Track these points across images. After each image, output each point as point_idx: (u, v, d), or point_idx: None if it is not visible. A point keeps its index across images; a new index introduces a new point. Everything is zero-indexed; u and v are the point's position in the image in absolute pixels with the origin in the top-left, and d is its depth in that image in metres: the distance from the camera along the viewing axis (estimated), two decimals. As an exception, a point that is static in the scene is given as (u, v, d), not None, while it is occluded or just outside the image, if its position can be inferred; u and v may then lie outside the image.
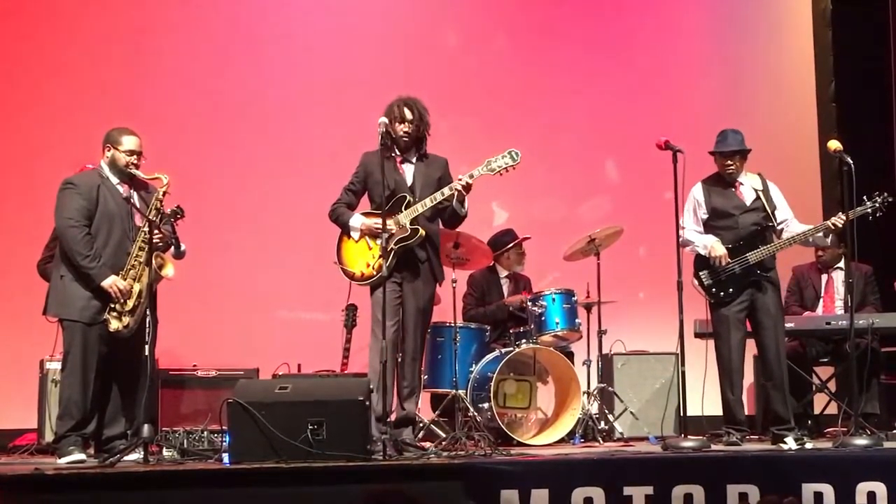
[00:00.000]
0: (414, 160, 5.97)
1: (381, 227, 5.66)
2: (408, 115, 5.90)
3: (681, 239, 6.25)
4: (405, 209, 5.81)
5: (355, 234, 5.90)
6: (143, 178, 5.77)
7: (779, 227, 6.38)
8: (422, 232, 5.80)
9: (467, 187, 5.80)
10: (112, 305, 5.60)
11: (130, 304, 5.61)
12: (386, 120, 5.79)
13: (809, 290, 7.62)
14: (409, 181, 5.93)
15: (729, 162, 6.37)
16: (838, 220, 6.18)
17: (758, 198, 6.38)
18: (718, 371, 6.30)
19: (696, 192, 6.41)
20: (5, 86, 8.09)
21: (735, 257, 6.25)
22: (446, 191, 5.83)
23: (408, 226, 5.78)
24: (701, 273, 6.30)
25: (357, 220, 5.90)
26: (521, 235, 7.75)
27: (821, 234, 6.35)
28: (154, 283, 5.67)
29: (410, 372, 5.88)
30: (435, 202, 5.84)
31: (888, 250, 8.20)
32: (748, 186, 6.41)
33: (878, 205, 6.17)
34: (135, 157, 5.76)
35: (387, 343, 5.51)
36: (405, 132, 5.89)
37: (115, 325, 5.59)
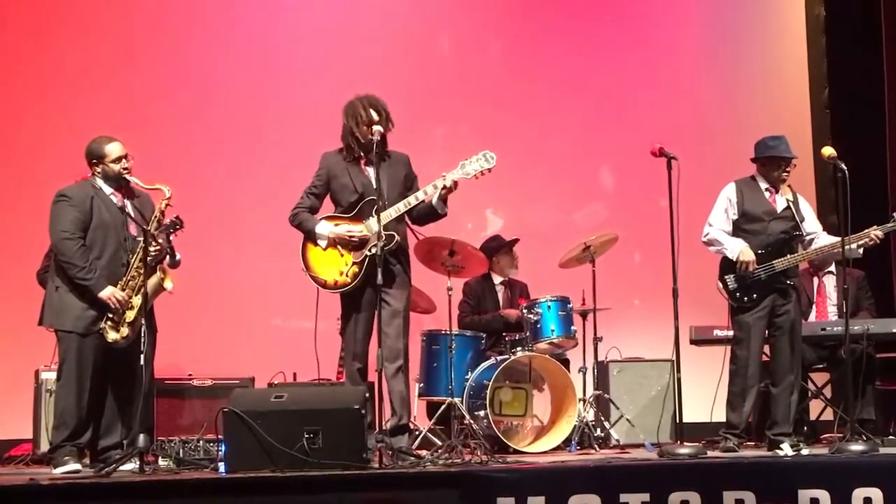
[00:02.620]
0: (376, 160, 5.74)
1: (352, 235, 5.62)
2: (375, 116, 5.74)
3: (707, 236, 6.34)
4: (375, 213, 5.65)
5: (322, 242, 5.77)
6: (143, 188, 5.76)
7: (807, 239, 6.41)
8: (398, 237, 5.71)
9: (450, 189, 5.67)
10: (109, 315, 5.59)
11: (131, 315, 5.60)
12: (381, 129, 5.66)
13: (802, 297, 7.60)
14: (375, 183, 5.74)
15: (789, 168, 6.39)
16: (875, 233, 6.21)
17: (788, 207, 6.40)
18: (732, 375, 6.29)
19: (730, 193, 6.42)
20: (4, 95, 8.09)
21: (761, 264, 6.26)
22: (420, 195, 5.70)
23: (382, 232, 5.63)
24: (727, 277, 6.30)
25: (324, 228, 5.75)
26: (509, 240, 7.76)
27: (853, 245, 6.37)
28: (154, 295, 5.66)
29: (399, 378, 5.75)
30: (410, 206, 5.71)
31: (879, 255, 8.22)
32: (781, 195, 6.42)
33: None
34: (124, 161, 5.75)
35: (359, 354, 5.55)
36: (380, 133, 5.69)
37: (112, 335, 5.59)
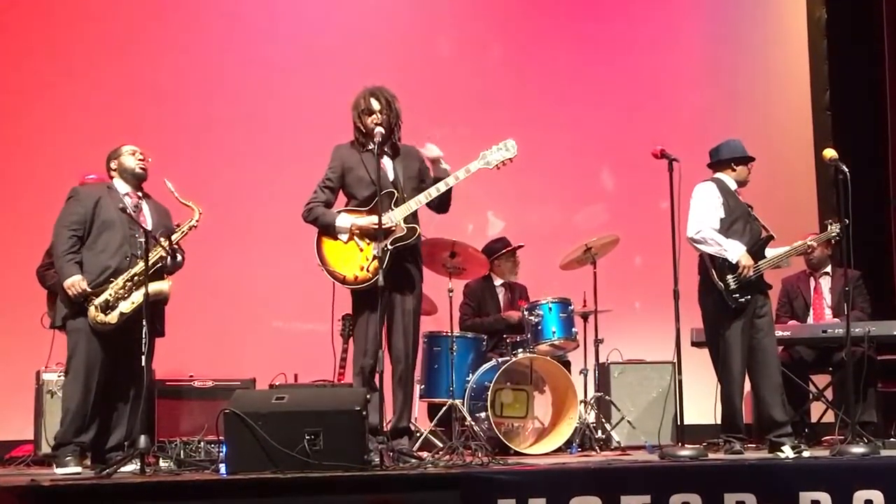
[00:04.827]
0: (390, 153, 5.71)
1: (376, 226, 5.44)
2: (374, 105, 5.64)
3: (699, 233, 6.20)
4: (395, 206, 5.59)
5: (343, 236, 5.61)
6: (178, 199, 5.78)
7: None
8: (419, 231, 5.63)
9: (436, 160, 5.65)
10: (107, 297, 5.59)
11: (127, 307, 5.60)
12: (382, 130, 5.59)
13: (799, 300, 7.62)
14: (391, 176, 5.68)
15: (751, 167, 6.43)
16: (811, 243, 6.56)
17: (752, 209, 6.41)
18: (725, 379, 6.24)
19: (715, 191, 6.31)
20: (5, 95, 8.10)
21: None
22: (441, 186, 5.63)
23: (403, 224, 5.59)
24: (729, 277, 6.19)
25: (345, 220, 5.60)
26: (515, 244, 7.76)
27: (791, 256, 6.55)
28: (154, 296, 5.66)
29: (404, 379, 5.74)
30: (430, 198, 5.62)
31: (875, 255, 8.25)
32: (742, 198, 6.43)
33: (839, 230, 6.23)
34: (139, 154, 5.92)
35: (370, 351, 5.49)
36: (376, 124, 5.62)
37: (100, 317, 5.56)
